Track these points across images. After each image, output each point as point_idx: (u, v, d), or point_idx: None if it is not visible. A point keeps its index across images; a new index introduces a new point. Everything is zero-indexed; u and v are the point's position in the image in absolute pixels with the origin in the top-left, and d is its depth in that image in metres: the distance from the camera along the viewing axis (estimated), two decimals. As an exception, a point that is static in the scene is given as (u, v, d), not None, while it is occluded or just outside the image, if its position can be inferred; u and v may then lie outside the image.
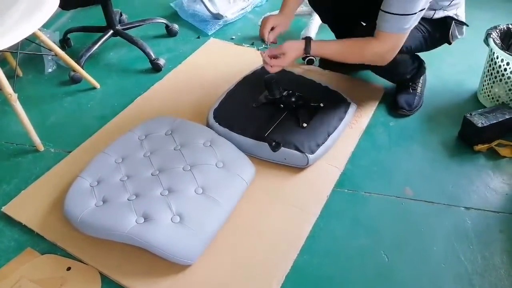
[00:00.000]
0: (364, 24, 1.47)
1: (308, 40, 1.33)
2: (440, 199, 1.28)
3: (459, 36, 1.44)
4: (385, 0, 1.21)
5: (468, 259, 1.14)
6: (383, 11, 1.22)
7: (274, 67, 1.34)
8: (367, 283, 1.10)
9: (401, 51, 1.36)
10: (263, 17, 1.42)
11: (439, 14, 1.37)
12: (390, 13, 1.20)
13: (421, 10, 1.21)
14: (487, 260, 1.13)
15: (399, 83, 1.60)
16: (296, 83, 1.57)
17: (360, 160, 1.41)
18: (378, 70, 1.52)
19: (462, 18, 1.41)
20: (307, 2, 1.56)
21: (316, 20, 1.94)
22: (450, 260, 1.14)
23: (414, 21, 1.23)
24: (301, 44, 1.33)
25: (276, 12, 1.47)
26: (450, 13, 1.38)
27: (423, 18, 1.37)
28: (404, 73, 1.49)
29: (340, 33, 1.61)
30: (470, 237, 1.19)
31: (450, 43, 1.46)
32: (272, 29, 1.40)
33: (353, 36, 1.35)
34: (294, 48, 1.33)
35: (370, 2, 1.30)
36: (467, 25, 1.41)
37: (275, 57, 1.34)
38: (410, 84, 1.57)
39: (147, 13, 2.18)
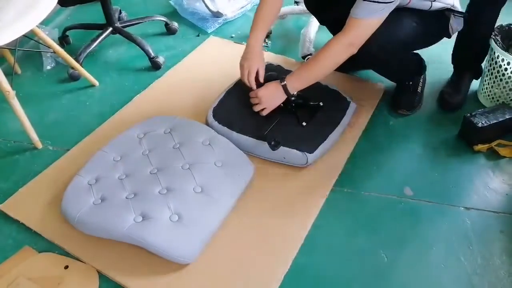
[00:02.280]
0: None
1: (284, 85, 1.35)
2: (440, 199, 1.28)
3: (459, 28, 1.43)
4: None
5: (467, 259, 1.13)
6: None
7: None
8: (366, 283, 1.10)
9: (404, 48, 1.35)
10: (240, 64, 1.42)
11: (437, 5, 1.35)
12: (366, 0, 1.18)
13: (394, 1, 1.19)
14: (487, 261, 1.13)
15: (399, 82, 1.59)
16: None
17: (359, 159, 1.40)
18: (379, 69, 1.52)
19: (459, 9, 1.40)
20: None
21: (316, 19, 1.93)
22: (450, 260, 1.13)
23: (387, 8, 1.20)
24: (280, 92, 1.36)
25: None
26: (447, 4, 1.37)
27: (421, 12, 1.36)
28: (405, 71, 1.49)
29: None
30: (470, 238, 1.18)
31: (449, 37, 1.45)
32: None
33: None
34: (273, 98, 1.38)
35: None
36: (467, 15, 1.40)
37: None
38: (411, 83, 1.56)
39: (147, 10, 2.17)
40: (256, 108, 1.40)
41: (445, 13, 1.38)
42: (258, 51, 1.40)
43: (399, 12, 1.32)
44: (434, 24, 1.40)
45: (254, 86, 1.42)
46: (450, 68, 1.74)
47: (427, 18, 1.37)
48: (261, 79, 1.42)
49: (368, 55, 1.32)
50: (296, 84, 1.36)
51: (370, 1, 1.17)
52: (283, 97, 1.38)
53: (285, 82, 1.35)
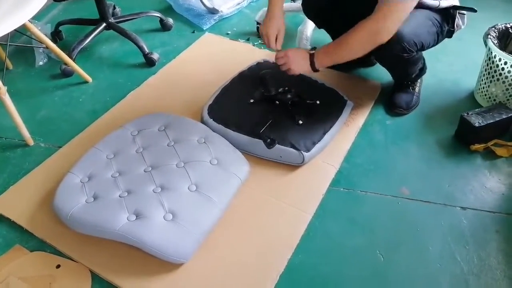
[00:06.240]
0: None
1: (312, 54, 1.33)
2: (436, 199, 1.27)
3: (462, 26, 1.42)
4: None
5: (464, 259, 1.13)
6: None
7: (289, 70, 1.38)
8: (362, 282, 1.09)
9: (423, 47, 1.35)
10: (261, 26, 1.43)
11: (444, 3, 1.35)
12: None
13: None
14: (483, 261, 1.13)
15: (400, 81, 1.58)
16: (292, 80, 1.54)
17: (356, 158, 1.40)
18: (391, 67, 1.50)
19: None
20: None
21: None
22: (446, 260, 1.13)
23: None
24: (306, 60, 1.34)
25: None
26: (452, 1, 1.36)
27: (432, 10, 1.35)
28: (414, 71, 1.49)
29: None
30: (466, 237, 1.18)
31: (451, 36, 1.43)
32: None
33: None
34: (299, 62, 1.35)
35: (365, 6, 1.28)
36: (475, 11, 1.36)
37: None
38: (409, 83, 1.56)
39: (141, 6, 2.14)
40: (283, 67, 1.38)
41: (451, 11, 1.37)
42: (278, 15, 1.38)
43: (415, 11, 1.31)
44: (443, 23, 1.38)
45: (279, 47, 1.41)
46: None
47: (438, 17, 1.36)
48: (279, 44, 1.41)
49: (390, 54, 1.31)
50: (323, 60, 1.33)
51: None
52: (307, 67, 1.34)
53: (313, 52, 1.33)
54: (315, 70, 1.35)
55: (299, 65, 1.36)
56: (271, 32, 1.38)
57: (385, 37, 1.22)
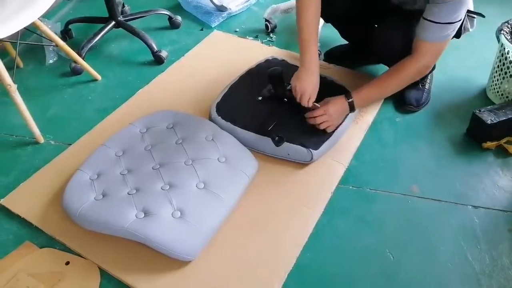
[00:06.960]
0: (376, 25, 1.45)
1: (351, 102, 1.32)
2: (448, 197, 1.25)
3: (470, 30, 1.40)
4: (428, 9, 1.18)
5: (475, 259, 1.11)
6: (426, 19, 1.19)
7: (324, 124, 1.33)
8: (371, 282, 1.08)
9: None
10: (295, 80, 1.32)
11: None
12: (434, 22, 1.17)
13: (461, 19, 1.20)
14: (495, 260, 1.11)
15: None
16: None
17: (365, 156, 1.38)
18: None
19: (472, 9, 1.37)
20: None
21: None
22: (457, 259, 1.11)
23: (455, 29, 1.21)
24: (346, 109, 1.34)
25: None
26: None
27: None
28: None
29: (351, 38, 1.65)
30: (478, 237, 1.16)
31: (459, 37, 1.42)
32: None
33: (366, 40, 1.36)
34: (340, 115, 1.35)
35: (380, 7, 1.27)
36: (483, 16, 1.36)
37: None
38: (420, 80, 1.53)
39: (150, 4, 2.15)
40: (323, 126, 1.33)
41: None
42: (314, 70, 1.31)
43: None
44: None
45: (311, 105, 1.34)
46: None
47: None
48: (311, 102, 1.33)
49: (393, 54, 1.31)
50: (363, 102, 1.36)
51: (443, 23, 1.16)
52: (347, 113, 1.35)
53: (351, 99, 1.32)
54: (352, 111, 1.36)
55: (340, 118, 1.36)
56: (312, 91, 1.31)
57: (429, 69, 1.31)
